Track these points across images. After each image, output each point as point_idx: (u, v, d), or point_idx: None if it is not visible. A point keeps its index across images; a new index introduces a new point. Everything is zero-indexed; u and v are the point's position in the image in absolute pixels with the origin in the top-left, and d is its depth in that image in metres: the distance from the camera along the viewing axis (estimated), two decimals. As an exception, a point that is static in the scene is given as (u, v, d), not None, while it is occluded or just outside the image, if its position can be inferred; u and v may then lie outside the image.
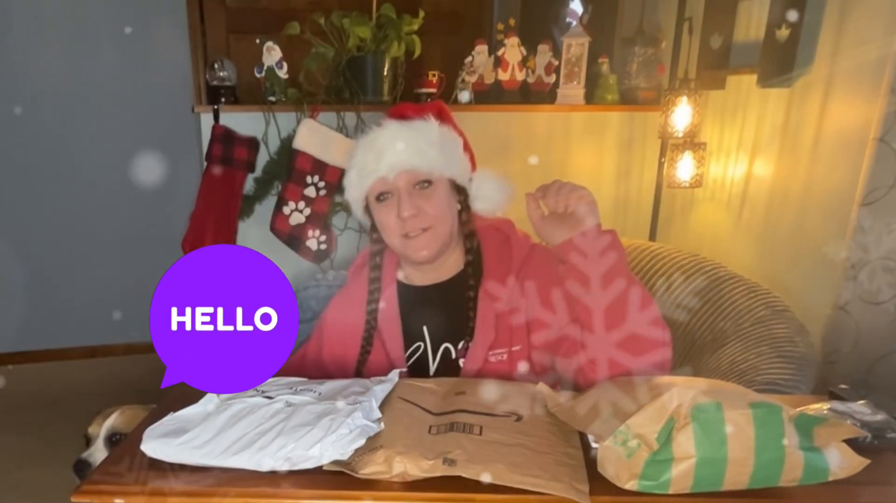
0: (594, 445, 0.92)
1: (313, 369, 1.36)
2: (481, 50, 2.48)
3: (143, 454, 0.93)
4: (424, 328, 1.29)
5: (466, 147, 1.30)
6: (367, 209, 1.31)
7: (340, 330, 1.35)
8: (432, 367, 1.29)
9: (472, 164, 1.32)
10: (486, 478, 0.84)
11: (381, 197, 1.26)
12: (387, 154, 1.22)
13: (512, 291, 1.24)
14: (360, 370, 1.32)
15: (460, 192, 1.30)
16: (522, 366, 1.23)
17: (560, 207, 1.07)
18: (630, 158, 2.59)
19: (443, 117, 1.29)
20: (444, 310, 1.28)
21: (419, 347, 1.30)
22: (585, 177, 2.55)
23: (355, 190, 1.30)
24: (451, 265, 1.32)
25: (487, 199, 1.28)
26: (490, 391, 1.08)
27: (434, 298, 1.30)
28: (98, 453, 1.33)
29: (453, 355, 1.27)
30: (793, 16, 1.81)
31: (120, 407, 1.39)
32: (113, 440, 1.34)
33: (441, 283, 1.31)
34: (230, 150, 2.29)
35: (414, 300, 1.32)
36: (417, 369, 1.29)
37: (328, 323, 1.39)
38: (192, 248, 2.24)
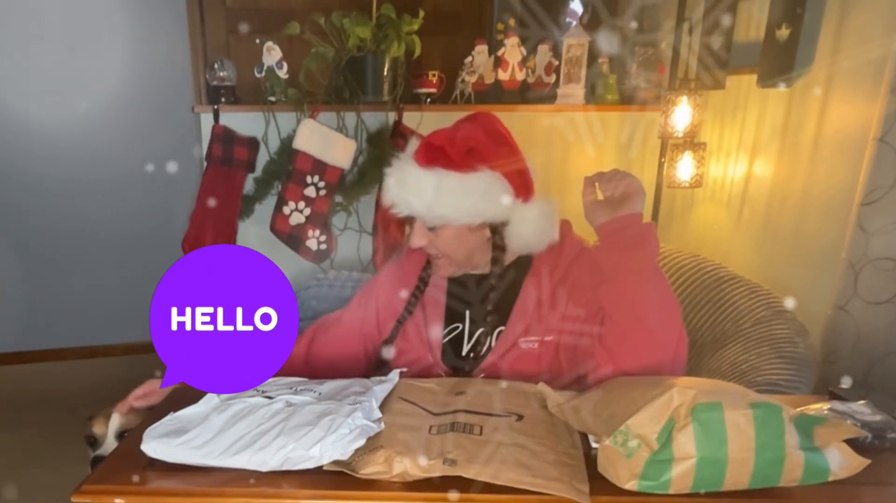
0: (594, 445, 0.92)
1: (347, 326, 1.41)
2: (481, 50, 2.48)
3: (143, 454, 0.93)
4: (467, 311, 1.34)
5: (514, 177, 1.23)
6: None
7: (391, 293, 1.39)
8: (466, 347, 1.33)
9: (523, 192, 1.25)
10: (485, 478, 0.84)
11: None
12: (403, 199, 1.24)
13: (555, 287, 1.28)
14: (394, 336, 1.36)
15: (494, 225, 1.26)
16: (550, 355, 1.27)
17: (610, 191, 1.15)
18: (630, 158, 2.59)
19: (475, 156, 1.21)
20: (488, 297, 1.31)
21: (457, 327, 1.35)
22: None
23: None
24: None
25: (520, 238, 1.26)
26: (490, 391, 1.08)
27: (481, 286, 1.34)
28: (112, 449, 1.34)
29: (487, 338, 1.31)
30: (793, 16, 1.81)
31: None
32: (124, 436, 1.35)
33: (489, 273, 1.33)
34: (230, 150, 2.29)
35: (462, 284, 1.36)
36: (453, 346, 1.34)
37: (379, 282, 1.43)
38: (192, 248, 2.24)
